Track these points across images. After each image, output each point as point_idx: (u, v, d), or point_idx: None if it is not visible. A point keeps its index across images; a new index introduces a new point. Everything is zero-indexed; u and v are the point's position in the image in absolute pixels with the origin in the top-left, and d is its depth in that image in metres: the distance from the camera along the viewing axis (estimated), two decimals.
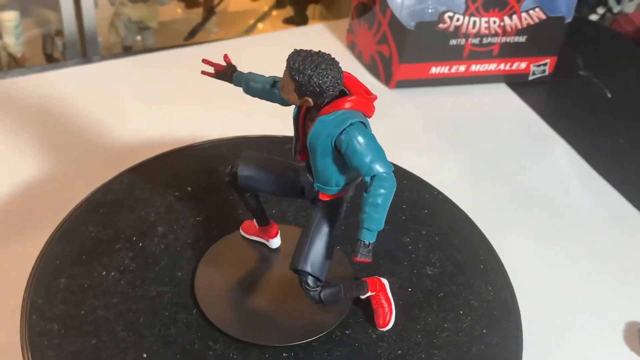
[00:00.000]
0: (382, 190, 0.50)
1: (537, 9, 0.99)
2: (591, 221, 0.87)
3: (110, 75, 1.00)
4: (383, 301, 0.61)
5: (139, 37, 1.25)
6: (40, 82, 0.97)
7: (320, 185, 0.54)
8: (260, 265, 0.65)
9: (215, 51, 1.09)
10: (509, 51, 1.02)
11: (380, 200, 0.51)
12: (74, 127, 0.91)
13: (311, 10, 1.39)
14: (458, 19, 0.97)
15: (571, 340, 0.73)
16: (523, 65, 1.04)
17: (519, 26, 1.00)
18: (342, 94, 0.52)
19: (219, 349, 0.57)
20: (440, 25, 0.97)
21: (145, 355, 0.56)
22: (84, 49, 1.07)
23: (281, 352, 0.58)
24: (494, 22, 0.98)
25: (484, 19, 0.98)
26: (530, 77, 1.06)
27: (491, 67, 1.03)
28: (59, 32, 1.09)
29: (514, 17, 0.98)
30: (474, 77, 1.04)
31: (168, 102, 0.96)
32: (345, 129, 0.50)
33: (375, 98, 0.53)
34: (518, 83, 1.06)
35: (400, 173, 0.73)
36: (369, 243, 0.52)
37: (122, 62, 1.03)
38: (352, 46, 1.09)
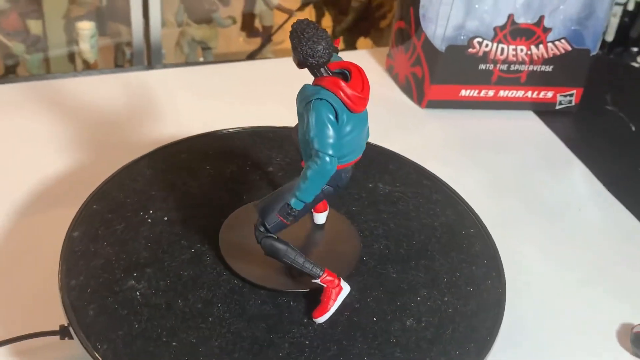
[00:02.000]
0: (316, 167, 0.56)
1: (562, 40, 1.06)
2: (599, 235, 0.91)
3: (168, 81, 1.12)
4: (331, 300, 0.63)
5: (201, 59, 1.37)
6: (107, 82, 1.10)
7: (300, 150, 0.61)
8: None
9: (265, 67, 1.20)
10: (536, 79, 1.09)
11: (309, 174, 0.56)
12: (131, 120, 1.02)
13: (361, 43, 1.49)
14: (487, 45, 1.04)
15: (569, 340, 0.77)
16: (550, 94, 1.11)
17: (546, 56, 1.07)
18: (345, 78, 0.58)
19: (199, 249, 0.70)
20: (470, 50, 1.05)
21: (151, 234, 0.71)
22: (149, 59, 1.20)
23: (233, 279, 0.67)
24: (521, 50, 1.06)
25: (512, 47, 1.05)
26: (557, 107, 1.12)
27: (519, 94, 1.10)
28: (129, 44, 1.22)
29: (541, 46, 1.06)
30: (502, 103, 1.11)
31: (220, 105, 1.06)
32: (313, 99, 0.56)
33: (365, 97, 0.57)
34: (545, 112, 1.12)
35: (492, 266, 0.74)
36: (292, 207, 0.58)
37: (181, 70, 1.15)
38: (390, 69, 1.18)
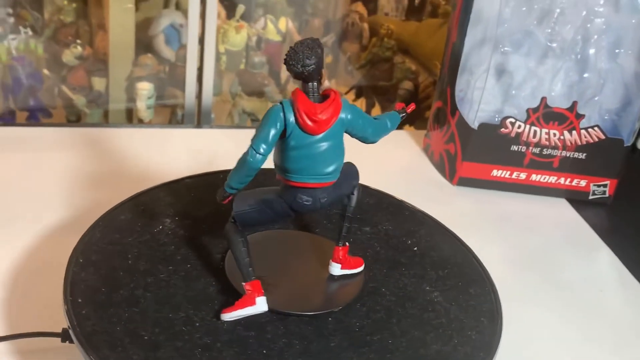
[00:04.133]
0: (242, 156, 0.62)
1: (596, 128, 1.07)
2: (617, 315, 0.89)
3: (214, 138, 1.18)
4: (241, 306, 0.66)
5: None
6: (155, 135, 1.16)
7: None
8: (282, 250, 0.78)
9: None
10: (569, 166, 1.10)
11: (237, 162, 0.62)
12: (170, 166, 1.07)
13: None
14: (519, 126, 1.07)
15: None
16: (583, 183, 1.11)
17: (579, 142, 1.08)
18: (324, 98, 0.63)
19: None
20: (502, 130, 1.07)
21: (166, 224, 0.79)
22: (199, 120, 1.27)
23: (220, 261, 0.74)
24: (554, 134, 1.07)
25: (545, 130, 1.07)
26: (591, 197, 1.12)
27: (551, 179, 1.11)
28: (181, 106, 1.30)
29: (574, 132, 1.07)
30: (534, 187, 1.12)
31: None
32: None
33: (318, 121, 0.61)
34: (578, 201, 1.12)
35: None
36: (223, 189, 0.64)
37: (228, 130, 1.21)
38: (426, 148, 1.21)
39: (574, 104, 1.06)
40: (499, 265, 0.94)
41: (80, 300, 0.66)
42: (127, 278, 0.70)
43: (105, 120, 1.32)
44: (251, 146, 0.62)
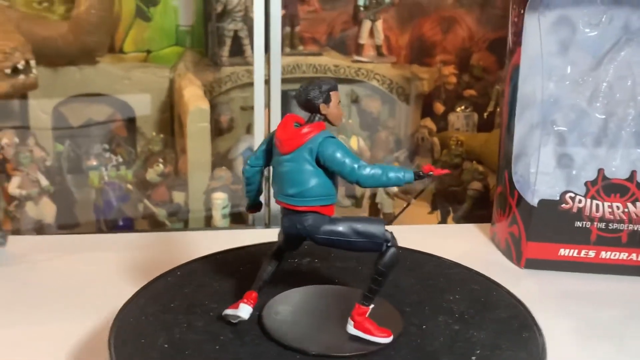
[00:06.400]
0: None
1: None
2: None
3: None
4: (231, 307, 0.73)
5: None
6: (229, 235, 1.23)
7: None
8: (332, 301, 0.80)
9: None
10: (638, 241, 1.06)
11: None
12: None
13: None
14: (580, 201, 1.06)
15: None
16: None
17: None
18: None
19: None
20: (563, 206, 1.06)
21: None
22: (269, 221, 1.32)
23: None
24: (617, 207, 1.05)
25: (607, 204, 1.05)
26: None
27: (622, 256, 1.07)
28: None
29: (638, 204, 1.05)
30: (606, 266, 1.08)
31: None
32: None
33: (281, 141, 0.67)
34: None
35: None
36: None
37: None
38: (493, 237, 1.21)
39: (633, 173, 1.04)
40: (570, 339, 0.91)
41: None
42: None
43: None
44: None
